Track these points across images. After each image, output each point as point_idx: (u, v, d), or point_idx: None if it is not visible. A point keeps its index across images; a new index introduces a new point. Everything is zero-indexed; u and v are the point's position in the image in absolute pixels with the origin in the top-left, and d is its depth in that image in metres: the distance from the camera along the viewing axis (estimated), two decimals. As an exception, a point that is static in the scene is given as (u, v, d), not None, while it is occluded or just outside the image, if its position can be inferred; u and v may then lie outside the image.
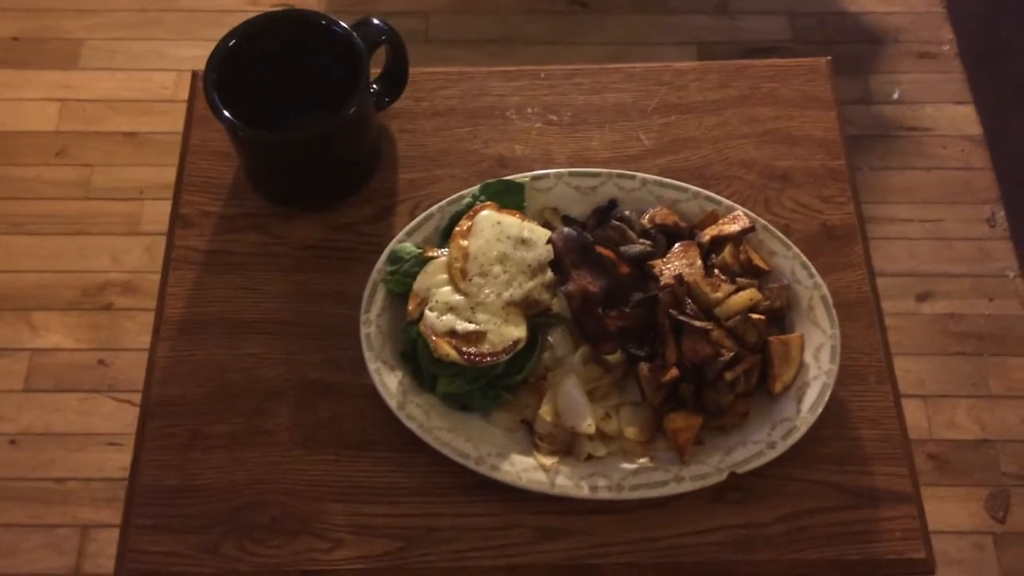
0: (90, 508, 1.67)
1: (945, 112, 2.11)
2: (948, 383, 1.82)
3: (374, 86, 0.99)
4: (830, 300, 0.90)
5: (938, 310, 1.90)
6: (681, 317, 0.85)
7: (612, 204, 0.95)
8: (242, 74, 0.93)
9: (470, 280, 0.88)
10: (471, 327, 0.86)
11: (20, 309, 1.84)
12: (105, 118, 2.06)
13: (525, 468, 0.84)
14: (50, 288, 1.87)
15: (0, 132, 2.04)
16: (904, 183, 2.03)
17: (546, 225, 0.94)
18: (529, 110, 1.04)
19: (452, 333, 0.86)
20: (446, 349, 0.85)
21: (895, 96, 2.13)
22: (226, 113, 0.88)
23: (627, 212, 0.94)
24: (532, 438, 0.86)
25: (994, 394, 1.83)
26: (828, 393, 0.86)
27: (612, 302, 0.87)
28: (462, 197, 0.94)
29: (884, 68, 2.17)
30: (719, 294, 0.87)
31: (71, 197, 1.97)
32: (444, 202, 0.94)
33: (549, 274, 0.89)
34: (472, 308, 0.87)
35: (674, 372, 0.84)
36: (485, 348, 0.85)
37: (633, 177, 0.95)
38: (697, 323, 0.84)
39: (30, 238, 1.92)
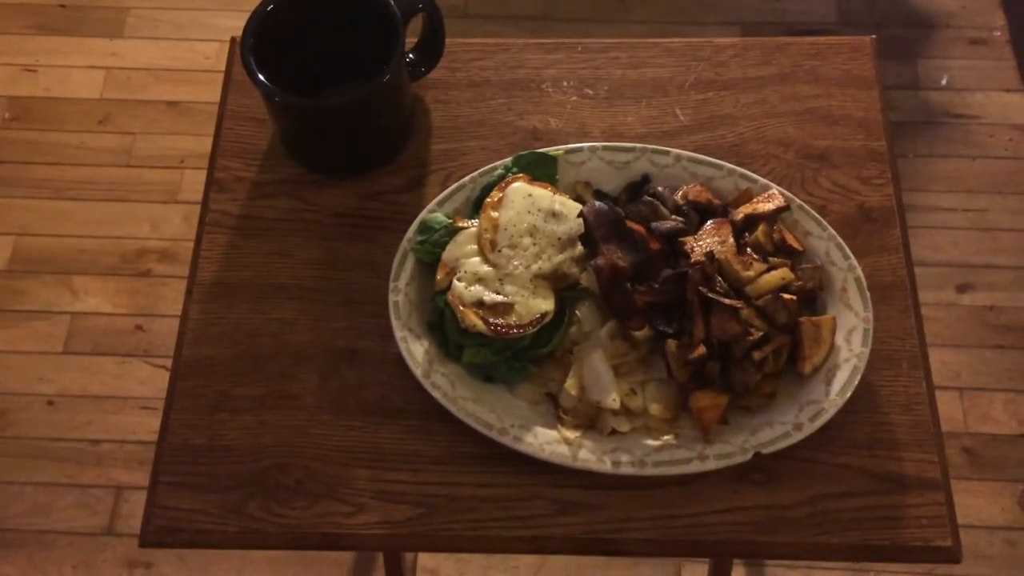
0: (124, 470, 1.70)
1: (994, 100, 2.06)
2: (985, 376, 1.79)
3: (410, 55, 0.99)
4: (864, 282, 0.88)
5: (978, 302, 1.86)
6: (710, 294, 0.84)
7: (645, 179, 0.94)
8: (279, 41, 0.93)
9: (499, 251, 0.88)
10: (499, 298, 0.86)
11: (61, 273, 1.87)
12: (148, 87, 2.09)
13: (548, 441, 0.84)
14: (90, 253, 1.90)
15: (46, 98, 2.07)
16: (949, 171, 1.99)
17: (578, 199, 0.93)
18: (565, 83, 1.04)
19: (479, 304, 0.86)
20: (473, 320, 0.85)
21: (943, 82, 2.08)
22: (261, 78, 0.89)
23: (660, 188, 0.93)
24: (556, 411, 0.86)
25: (1034, 388, 1.79)
26: (858, 376, 0.85)
27: (641, 278, 0.86)
28: (494, 168, 0.94)
29: (933, 53, 2.12)
30: (750, 272, 0.86)
31: (113, 164, 2.00)
32: (476, 173, 0.94)
33: (579, 248, 0.89)
34: (500, 279, 0.87)
35: (701, 350, 0.83)
36: (512, 320, 0.85)
37: (667, 153, 0.94)
38: (726, 301, 0.83)
39: (72, 203, 1.95)
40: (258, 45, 0.91)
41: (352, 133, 0.96)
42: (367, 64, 0.91)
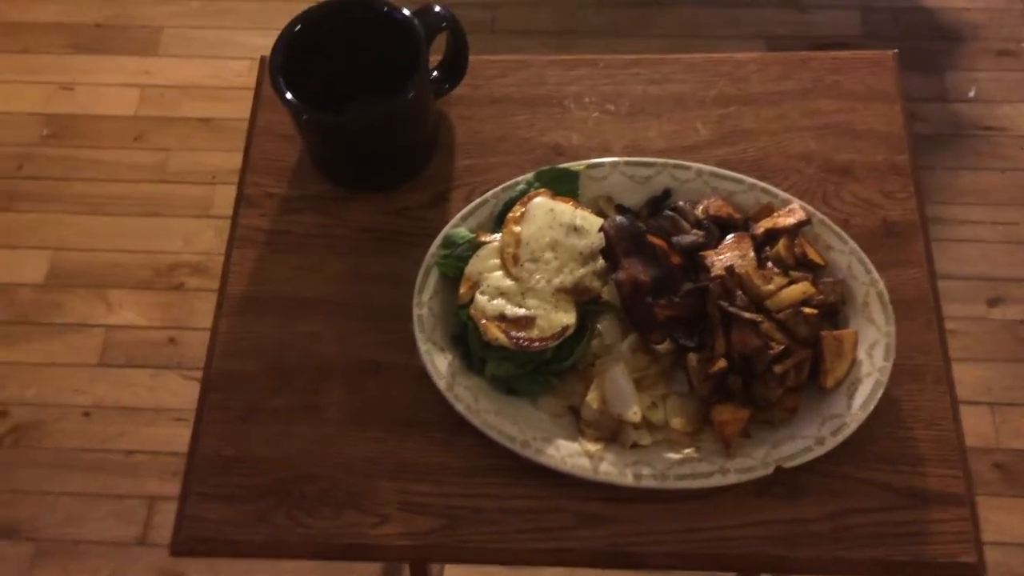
0: (157, 481, 1.73)
1: (1022, 112, 2.05)
2: (1017, 391, 1.77)
3: (434, 72, 1.01)
4: (886, 296, 0.88)
5: (1009, 316, 1.85)
6: (731, 308, 0.84)
7: (666, 194, 0.95)
8: (307, 60, 0.95)
9: (521, 266, 0.89)
10: (521, 312, 0.87)
11: (96, 286, 1.91)
12: (182, 104, 2.13)
13: (570, 453, 0.84)
14: (124, 267, 1.93)
15: (82, 115, 2.12)
16: (978, 184, 1.97)
17: (599, 213, 0.94)
18: (587, 99, 1.05)
19: (502, 317, 0.87)
20: (495, 333, 0.86)
21: (971, 94, 2.07)
22: (289, 96, 0.91)
23: (681, 202, 0.94)
24: (578, 424, 0.87)
25: (1066, 402, 1.77)
26: (881, 391, 0.85)
27: (662, 292, 0.87)
28: (516, 183, 0.95)
29: (960, 66, 2.11)
30: (771, 286, 0.86)
31: (147, 180, 2.04)
32: (499, 188, 0.95)
33: (600, 262, 0.90)
34: (522, 293, 0.88)
35: (722, 363, 0.83)
36: (534, 333, 0.86)
37: (688, 168, 0.95)
38: (746, 315, 0.84)
39: (107, 218, 1.99)
40: (286, 64, 0.93)
41: (377, 149, 0.97)
42: (393, 81, 0.93)
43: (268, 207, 1.00)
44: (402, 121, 0.95)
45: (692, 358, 0.86)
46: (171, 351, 1.84)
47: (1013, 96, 2.07)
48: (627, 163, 0.96)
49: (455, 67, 1.01)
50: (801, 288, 0.86)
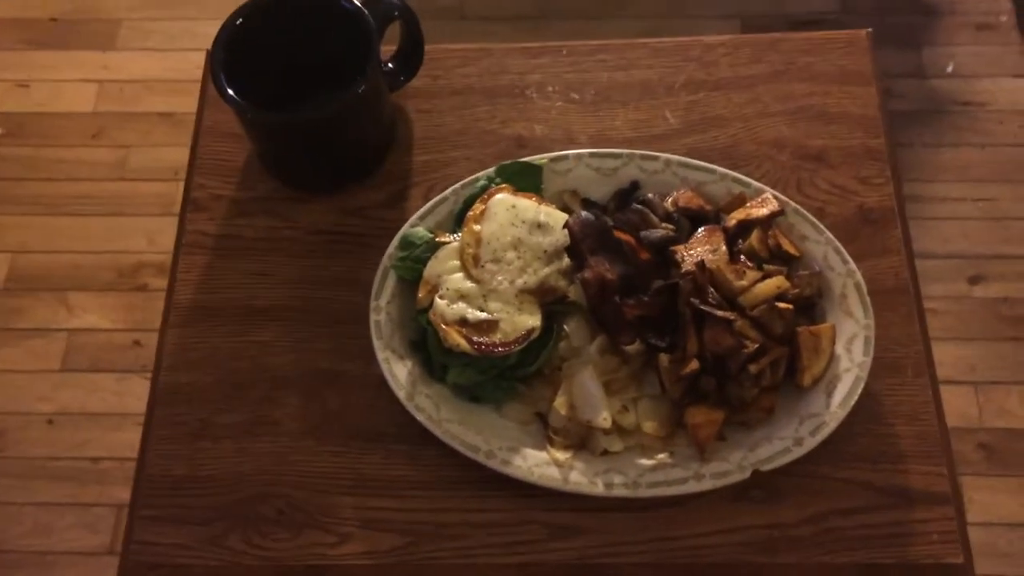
0: (125, 487, 1.68)
1: (1002, 86, 2.02)
2: (1000, 370, 1.75)
3: (388, 64, 0.96)
4: (864, 288, 0.84)
5: (991, 293, 1.82)
6: (702, 306, 0.80)
7: (634, 186, 0.91)
8: (253, 54, 0.90)
9: (483, 266, 0.85)
10: (483, 316, 0.83)
11: (57, 289, 1.86)
12: (141, 99, 2.06)
13: (538, 463, 0.80)
14: (86, 269, 1.88)
15: (39, 113, 2.05)
16: (957, 160, 1.94)
17: (565, 209, 0.90)
18: (550, 88, 1.00)
19: (463, 322, 0.83)
20: (456, 338, 0.82)
21: (949, 69, 2.04)
22: (231, 93, 0.86)
23: (650, 195, 0.90)
24: (546, 432, 0.83)
25: (1049, 381, 1.75)
26: (860, 387, 0.81)
27: (631, 290, 0.83)
28: (477, 180, 0.91)
29: (938, 40, 2.08)
30: (743, 282, 0.82)
31: (107, 178, 1.98)
32: (458, 185, 0.91)
33: (566, 260, 0.86)
34: (484, 296, 0.84)
35: (695, 365, 0.79)
36: (497, 338, 0.82)
37: (656, 158, 0.91)
38: (719, 313, 0.80)
39: (67, 219, 1.93)
40: (230, 59, 0.88)
41: (329, 148, 0.93)
42: (346, 74, 0.88)
43: (217, 210, 0.95)
44: (354, 117, 0.90)
45: (663, 359, 0.82)
46: (136, 354, 1.79)
47: (992, 70, 2.03)
48: (592, 155, 0.92)
49: (410, 58, 0.96)
50: (775, 283, 0.82)
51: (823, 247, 0.87)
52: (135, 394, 1.76)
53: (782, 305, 0.81)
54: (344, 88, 0.87)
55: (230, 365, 0.88)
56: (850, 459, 0.83)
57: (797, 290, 0.83)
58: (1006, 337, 1.79)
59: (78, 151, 2.01)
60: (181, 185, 1.95)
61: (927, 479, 0.82)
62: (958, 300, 1.82)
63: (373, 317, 0.86)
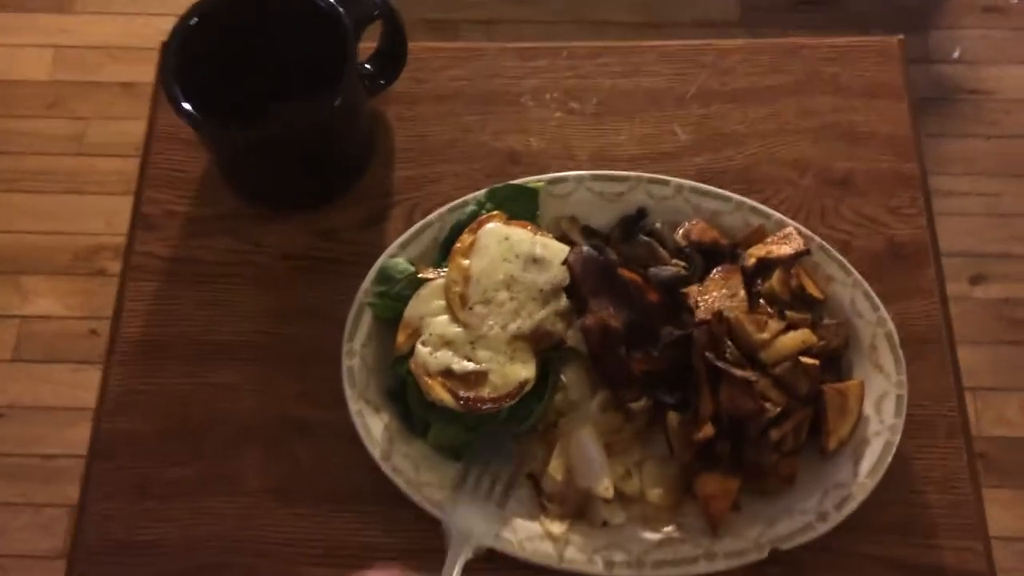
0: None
1: (1010, 73, 1.93)
2: (1000, 375, 1.68)
3: (366, 66, 0.85)
4: (896, 338, 0.76)
5: (993, 294, 1.75)
6: (719, 363, 0.71)
7: (641, 214, 0.81)
8: (211, 56, 0.79)
9: (471, 309, 0.75)
10: (470, 367, 0.73)
11: (9, 272, 1.74)
12: (102, 66, 1.94)
13: (529, 536, 0.71)
14: (41, 250, 1.76)
15: (-6, 81, 1.92)
16: (962, 152, 1.86)
17: (562, 238, 0.80)
18: (548, 95, 0.90)
19: (448, 373, 0.73)
20: (440, 392, 0.72)
21: (955, 55, 1.94)
22: (186, 106, 0.74)
23: (658, 224, 0.80)
24: (539, 499, 0.74)
25: (1051, 387, 1.69)
26: (891, 453, 0.73)
27: (638, 339, 0.74)
28: (465, 204, 0.80)
29: (944, 23, 1.98)
30: (765, 334, 0.73)
31: (64, 153, 1.86)
32: (444, 209, 0.80)
33: (564, 300, 0.76)
34: (472, 343, 0.74)
35: (709, 430, 0.71)
36: (486, 392, 0.73)
37: (667, 183, 0.81)
38: (738, 373, 0.71)
39: (21, 196, 1.82)
40: (184, 64, 0.76)
41: (299, 163, 0.82)
42: (319, 76, 0.78)
43: (170, 229, 0.85)
44: (328, 129, 0.80)
45: (673, 418, 0.73)
46: (92, 343, 1.68)
47: (1000, 56, 1.94)
48: (594, 177, 0.82)
49: (392, 59, 0.85)
50: (801, 337, 0.73)
51: (850, 290, 0.78)
52: (92, 387, 1.62)
53: (807, 361, 0.73)
54: (316, 96, 0.76)
55: (183, 411, 0.78)
56: (877, 531, 0.74)
57: (823, 342, 0.75)
58: (1007, 341, 1.73)
59: (33, 122, 1.88)
60: (144, 162, 1.83)
61: (960, 556, 0.74)
62: (958, 301, 1.74)
63: (346, 363, 0.76)
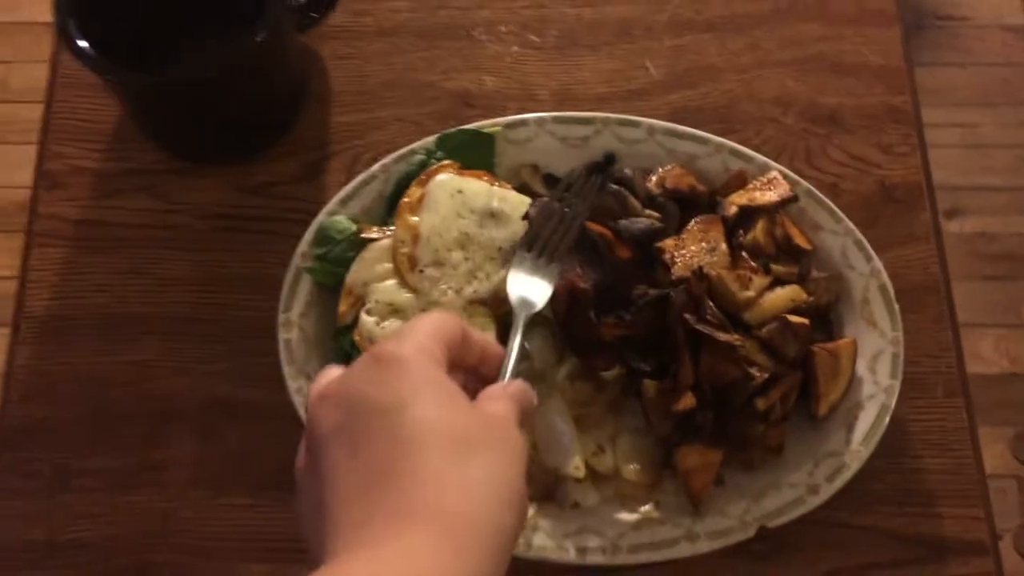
0: None
1: (985, -1, 1.86)
2: (974, 311, 1.64)
3: (296, -3, 0.75)
4: (891, 291, 0.69)
5: (967, 228, 1.70)
6: (700, 327, 0.64)
7: (609, 159, 0.73)
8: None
9: (421, 271, 0.66)
10: (422, 337, 0.65)
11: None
12: (20, 5, 1.80)
13: (493, 523, 0.64)
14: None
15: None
16: (935, 82, 1.79)
17: (522, 188, 0.72)
18: (503, 28, 0.80)
19: (397, 345, 0.65)
20: (389, 367, 0.64)
21: (927, -21, 1.87)
22: (85, 46, 0.64)
23: (628, 171, 0.72)
24: (503, 480, 0.66)
25: (1025, 323, 1.65)
26: (887, 418, 0.66)
27: (609, 300, 0.66)
28: (413, 153, 0.72)
29: (916, -58, 1.90)
30: (749, 292, 0.66)
31: (-16, 99, 1.73)
32: (389, 159, 0.71)
33: (526, 258, 0.68)
34: (424, 310, 0.66)
35: (689, 400, 0.63)
36: (441, 365, 0.65)
37: (637, 124, 0.73)
38: (721, 336, 0.63)
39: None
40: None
41: (221, 109, 0.72)
42: (241, 8, 0.68)
43: (78, 188, 0.75)
44: (251, 71, 0.70)
45: (649, 387, 0.66)
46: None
47: (974, -20, 1.87)
48: (557, 120, 0.73)
49: (324, -12, 0.75)
50: (789, 294, 0.66)
51: (841, 238, 0.70)
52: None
53: (796, 320, 0.65)
54: (235, 33, 0.66)
55: (100, 394, 0.70)
56: (872, 501, 0.68)
57: (813, 298, 0.67)
58: (982, 276, 1.68)
59: (-46, 65, 1.75)
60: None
61: (961, 524, 0.68)
62: (933, 236, 1.69)
63: (282, 335, 0.67)
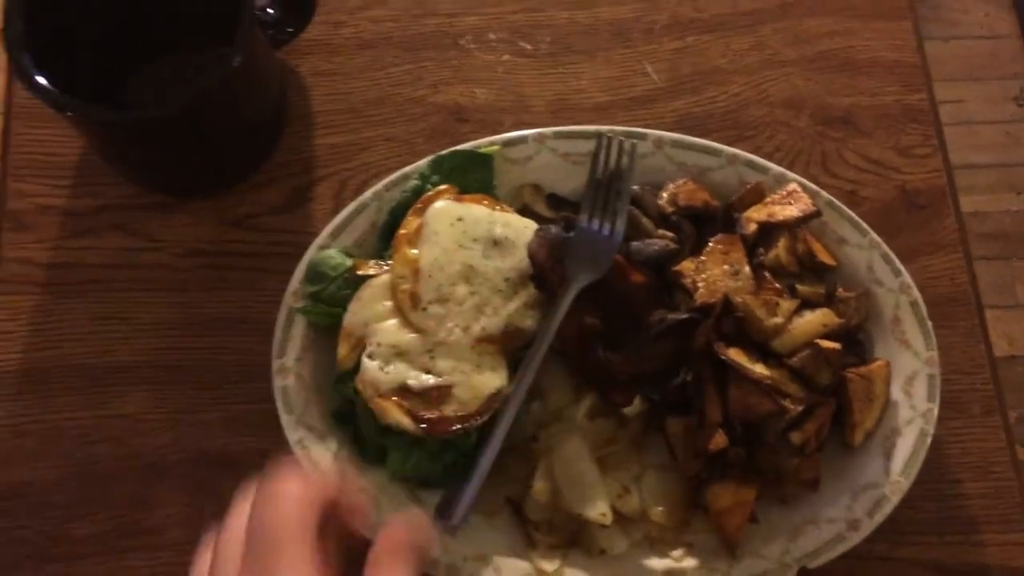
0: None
1: (967, -33, 1.82)
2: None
3: (269, 11, 0.70)
4: (923, 308, 0.65)
5: (957, 207, 1.67)
6: (727, 358, 0.59)
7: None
8: (70, 11, 0.63)
9: (424, 310, 0.62)
10: (430, 381, 0.60)
11: None
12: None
13: (516, 577, 0.60)
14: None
15: None
16: (919, 57, 1.75)
17: (524, 211, 0.67)
18: (492, 35, 0.75)
19: (403, 390, 0.60)
20: (396, 415, 0.59)
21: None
22: (41, 81, 0.58)
23: (637, 187, 0.67)
24: (525, 528, 0.62)
25: (1022, 303, 1.63)
26: (927, 444, 0.62)
27: (621, 334, 0.62)
28: (406, 178, 0.66)
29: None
30: (777, 319, 0.61)
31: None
32: (380, 186, 0.66)
33: (533, 288, 0.63)
34: (430, 351, 0.61)
35: (721, 440, 0.59)
36: (451, 410, 0.60)
37: (644, 137, 0.68)
38: (755, 371, 0.59)
39: None
40: (37, 28, 0.60)
41: (196, 142, 0.66)
42: (211, 26, 0.62)
43: (46, 228, 0.69)
44: (227, 99, 0.64)
45: (674, 426, 0.61)
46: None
47: (954, -49, 1.83)
48: (557, 135, 0.68)
49: (299, 1, 0.70)
50: (820, 319, 0.62)
51: (867, 253, 0.66)
52: None
53: (827, 345, 0.61)
54: (207, 46, 0.61)
55: (83, 452, 0.64)
56: (910, 531, 0.65)
57: (843, 320, 0.63)
58: (975, 256, 1.65)
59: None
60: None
61: (1005, 552, 0.65)
62: (923, 216, 1.66)
63: (278, 382, 0.62)
